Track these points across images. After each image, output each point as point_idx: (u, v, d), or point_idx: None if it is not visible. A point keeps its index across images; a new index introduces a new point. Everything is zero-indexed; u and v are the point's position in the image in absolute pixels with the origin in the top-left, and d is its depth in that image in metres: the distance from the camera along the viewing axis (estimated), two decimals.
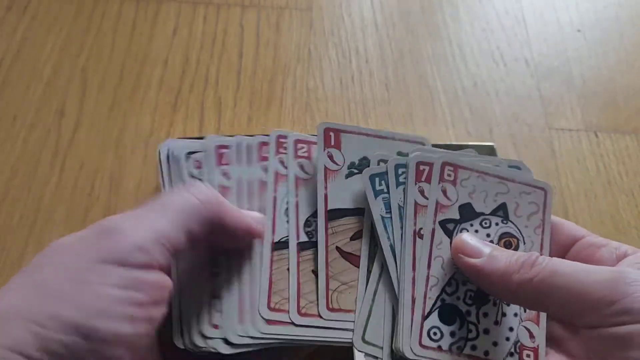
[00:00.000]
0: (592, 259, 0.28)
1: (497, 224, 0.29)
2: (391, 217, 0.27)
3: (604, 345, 0.24)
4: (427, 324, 0.26)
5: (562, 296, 0.24)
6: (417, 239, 0.27)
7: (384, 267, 0.27)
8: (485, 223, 0.29)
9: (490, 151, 0.48)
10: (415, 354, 0.26)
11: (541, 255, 0.26)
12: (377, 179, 0.28)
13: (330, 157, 0.29)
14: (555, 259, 0.25)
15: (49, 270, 0.22)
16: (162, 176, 0.30)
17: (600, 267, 0.26)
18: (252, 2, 0.59)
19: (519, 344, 0.28)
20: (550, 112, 0.54)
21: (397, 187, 0.28)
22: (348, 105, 0.53)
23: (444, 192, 0.28)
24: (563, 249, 0.30)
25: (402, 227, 0.27)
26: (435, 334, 0.26)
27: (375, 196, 0.28)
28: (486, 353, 0.27)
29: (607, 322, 0.24)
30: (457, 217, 0.28)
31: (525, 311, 0.28)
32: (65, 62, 0.53)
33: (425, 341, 0.26)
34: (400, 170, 0.28)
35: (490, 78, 0.56)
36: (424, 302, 0.27)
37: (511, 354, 0.27)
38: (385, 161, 0.29)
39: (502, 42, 0.58)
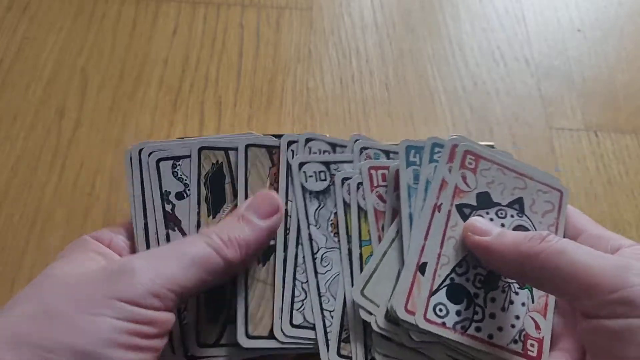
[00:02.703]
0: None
1: (512, 216, 0.29)
2: (417, 188, 0.29)
3: (598, 340, 0.24)
4: (434, 299, 0.27)
5: (567, 275, 0.24)
6: (436, 212, 0.28)
7: (398, 233, 0.28)
8: (501, 213, 0.29)
9: None
10: (404, 316, 0.26)
11: None
12: (412, 151, 0.30)
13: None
14: (565, 239, 0.26)
15: (61, 299, 0.23)
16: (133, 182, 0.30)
17: (608, 254, 0.25)
18: (252, 2, 0.59)
19: (524, 332, 0.28)
20: (551, 112, 0.54)
21: (429, 163, 0.29)
22: (348, 105, 0.53)
23: (464, 178, 0.29)
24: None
25: (424, 199, 0.28)
26: (441, 310, 0.27)
27: (407, 166, 0.29)
28: (490, 336, 0.27)
29: (605, 310, 0.23)
30: (474, 203, 0.29)
31: (532, 302, 0.29)
32: (65, 62, 0.53)
33: (431, 316, 0.26)
34: (436, 149, 0.30)
35: (490, 78, 0.56)
36: (433, 279, 0.27)
37: (515, 341, 0.27)
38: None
39: (503, 41, 0.58)
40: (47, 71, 0.52)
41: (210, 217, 0.30)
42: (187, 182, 0.29)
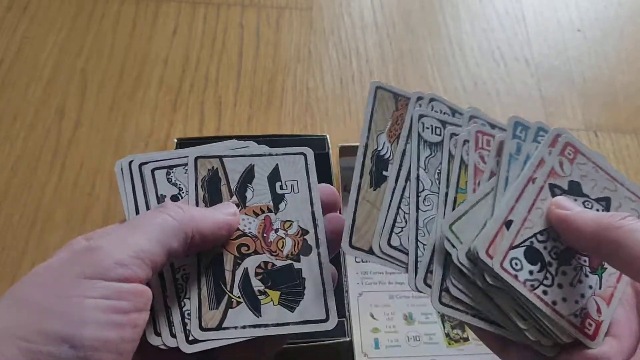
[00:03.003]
0: None
1: (597, 210, 0.31)
2: (518, 159, 0.32)
3: None
4: (512, 253, 0.29)
5: (637, 252, 0.25)
6: (530, 183, 0.31)
7: (492, 190, 0.31)
8: (588, 204, 0.31)
9: None
10: (484, 257, 0.28)
11: None
12: (519, 127, 0.33)
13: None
14: None
15: (33, 289, 0.23)
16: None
17: None
18: (252, 2, 0.59)
19: (585, 311, 0.29)
20: (551, 112, 0.54)
21: (532, 142, 0.33)
22: (348, 105, 0.53)
23: (560, 164, 0.31)
24: None
25: (522, 169, 0.31)
26: (516, 264, 0.29)
27: (512, 137, 0.32)
28: (554, 302, 0.29)
29: None
30: (566, 188, 0.31)
31: (600, 288, 0.30)
32: (65, 62, 0.53)
33: (507, 265, 0.28)
34: (541, 132, 0.33)
35: (490, 78, 0.56)
36: (515, 237, 0.29)
37: (575, 315, 0.29)
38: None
39: (503, 41, 0.58)
40: (47, 71, 0.52)
41: None
42: (182, 186, 0.31)
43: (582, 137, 0.53)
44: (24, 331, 0.22)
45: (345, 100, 0.53)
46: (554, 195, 0.31)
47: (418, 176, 0.32)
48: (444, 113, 0.35)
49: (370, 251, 0.30)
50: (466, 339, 0.43)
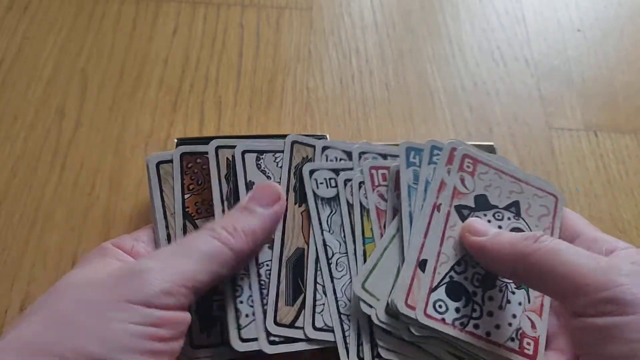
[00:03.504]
0: None
1: (509, 218, 0.30)
2: (417, 188, 0.30)
3: (587, 338, 0.25)
4: (434, 296, 0.27)
5: (559, 274, 0.25)
6: (435, 211, 0.29)
7: (398, 230, 0.29)
8: (498, 216, 0.30)
9: (490, 151, 0.48)
10: (404, 310, 0.27)
11: None
12: (412, 152, 0.31)
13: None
14: (558, 239, 0.26)
15: (73, 306, 0.23)
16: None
17: (600, 256, 0.26)
18: (252, 2, 0.59)
19: (520, 331, 0.28)
20: (550, 112, 0.54)
21: (428, 164, 0.31)
22: (348, 105, 0.53)
23: (462, 180, 0.30)
24: None
25: (424, 199, 0.29)
26: (440, 306, 0.27)
27: (407, 166, 0.30)
28: (488, 334, 0.28)
29: (593, 309, 0.24)
30: (472, 205, 0.30)
31: (529, 302, 0.29)
32: (65, 62, 0.53)
33: (430, 311, 0.27)
34: (435, 151, 0.31)
35: (490, 78, 0.56)
36: (433, 276, 0.28)
37: (512, 339, 0.28)
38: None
39: (502, 41, 0.58)
40: (47, 71, 0.52)
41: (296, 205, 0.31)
42: (270, 175, 0.31)
43: (581, 137, 0.53)
44: (62, 348, 0.21)
45: (345, 100, 0.53)
46: (462, 217, 0.29)
47: (324, 241, 0.30)
48: (340, 159, 0.33)
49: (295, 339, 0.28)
50: None
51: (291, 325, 0.28)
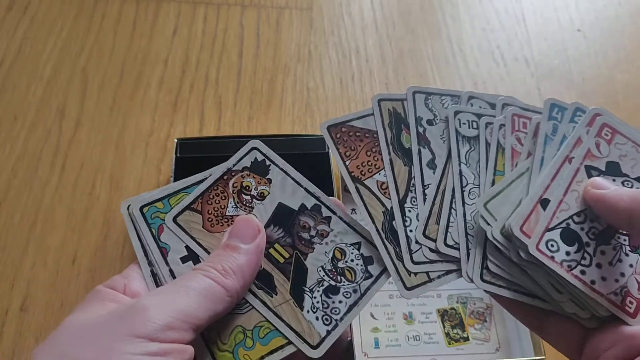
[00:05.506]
0: None
1: (638, 188, 0.31)
2: (554, 139, 0.32)
3: None
4: (548, 235, 0.29)
5: None
6: (566, 162, 0.31)
7: (528, 169, 0.32)
8: (627, 184, 0.31)
9: None
10: (518, 234, 0.29)
11: None
12: (556, 109, 0.33)
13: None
14: None
15: (78, 347, 0.23)
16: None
17: None
18: (252, 2, 0.59)
19: (626, 289, 0.29)
20: None
21: (569, 122, 0.33)
22: (348, 104, 0.53)
23: (597, 145, 0.32)
24: None
25: (558, 149, 0.32)
26: (552, 246, 0.29)
27: (549, 119, 0.33)
28: (592, 282, 0.29)
29: None
30: (603, 169, 0.31)
31: None
32: (66, 62, 0.53)
33: (542, 247, 0.29)
34: (578, 113, 0.34)
35: (490, 77, 0.56)
36: (551, 218, 0.29)
37: (615, 294, 0.29)
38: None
39: (502, 41, 0.58)
40: (48, 71, 0.52)
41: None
42: (436, 113, 0.34)
43: None
44: None
45: (345, 100, 0.53)
46: (590, 176, 0.31)
47: (460, 171, 0.33)
48: (482, 108, 0.36)
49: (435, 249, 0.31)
50: (466, 339, 0.43)
51: (434, 240, 0.32)
